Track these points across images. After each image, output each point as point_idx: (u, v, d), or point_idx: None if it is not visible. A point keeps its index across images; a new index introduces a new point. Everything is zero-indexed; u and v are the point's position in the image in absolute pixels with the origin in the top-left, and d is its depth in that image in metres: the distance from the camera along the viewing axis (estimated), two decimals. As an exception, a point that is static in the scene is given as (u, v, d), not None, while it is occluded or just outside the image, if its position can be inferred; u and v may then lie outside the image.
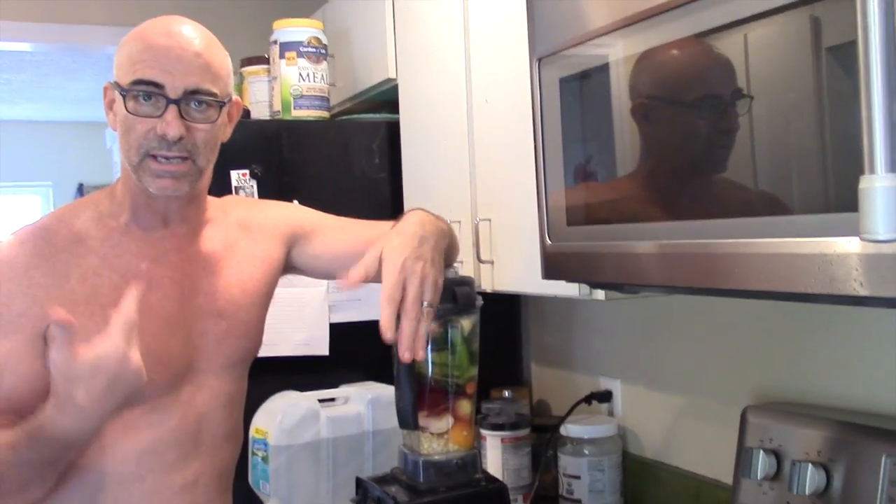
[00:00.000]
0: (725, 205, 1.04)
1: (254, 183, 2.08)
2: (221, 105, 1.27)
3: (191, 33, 1.25)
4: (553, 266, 1.37)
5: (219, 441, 1.37)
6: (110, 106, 1.28)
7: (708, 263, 1.05)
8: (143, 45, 1.23)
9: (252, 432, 1.90)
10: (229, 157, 2.02)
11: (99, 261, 1.27)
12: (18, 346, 1.20)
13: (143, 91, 1.21)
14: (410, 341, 1.23)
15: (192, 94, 1.23)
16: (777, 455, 1.39)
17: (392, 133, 2.23)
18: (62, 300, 1.21)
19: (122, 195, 1.31)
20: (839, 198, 0.87)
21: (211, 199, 1.42)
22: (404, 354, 1.24)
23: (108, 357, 1.09)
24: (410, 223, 1.30)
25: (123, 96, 1.22)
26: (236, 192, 2.06)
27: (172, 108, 1.21)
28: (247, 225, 1.44)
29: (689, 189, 1.11)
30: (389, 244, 1.25)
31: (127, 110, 1.22)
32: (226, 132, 1.34)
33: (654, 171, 1.17)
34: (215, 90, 1.26)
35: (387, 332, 1.22)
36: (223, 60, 1.29)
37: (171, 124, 1.21)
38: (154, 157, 1.23)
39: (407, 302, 1.22)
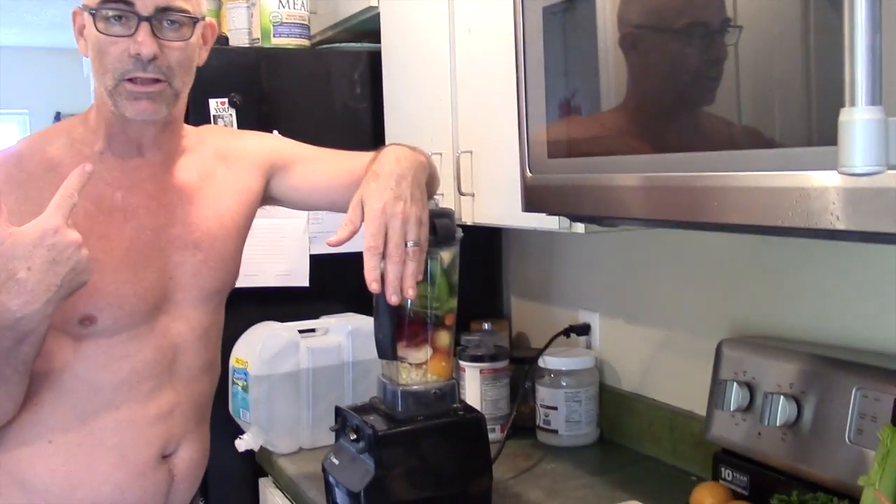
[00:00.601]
0: (707, 138, 1.03)
1: (233, 112, 2.05)
2: (195, 22, 1.24)
3: None
4: (533, 199, 1.36)
5: (195, 372, 1.37)
6: (80, 31, 1.25)
7: (688, 197, 1.05)
8: None
9: (232, 362, 1.91)
10: (208, 86, 1.99)
11: None
12: None
13: (113, 9, 1.18)
14: (396, 285, 1.23)
15: (163, 11, 1.20)
16: (750, 387, 1.41)
17: (374, 63, 2.20)
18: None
19: (97, 122, 1.28)
20: (821, 131, 0.86)
21: (188, 128, 1.39)
22: (391, 298, 1.24)
23: (45, 231, 1.07)
24: (387, 162, 1.28)
25: (93, 16, 1.19)
26: (215, 122, 2.03)
27: (144, 26, 1.18)
28: (224, 155, 1.42)
29: (673, 122, 1.10)
30: (367, 189, 1.24)
31: (98, 31, 1.19)
32: (201, 55, 1.31)
33: (639, 104, 1.16)
34: (187, 7, 1.22)
35: (371, 284, 1.23)
36: None
37: (144, 43, 1.18)
38: (130, 80, 1.20)
39: (390, 246, 1.22)
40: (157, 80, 1.21)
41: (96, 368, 1.26)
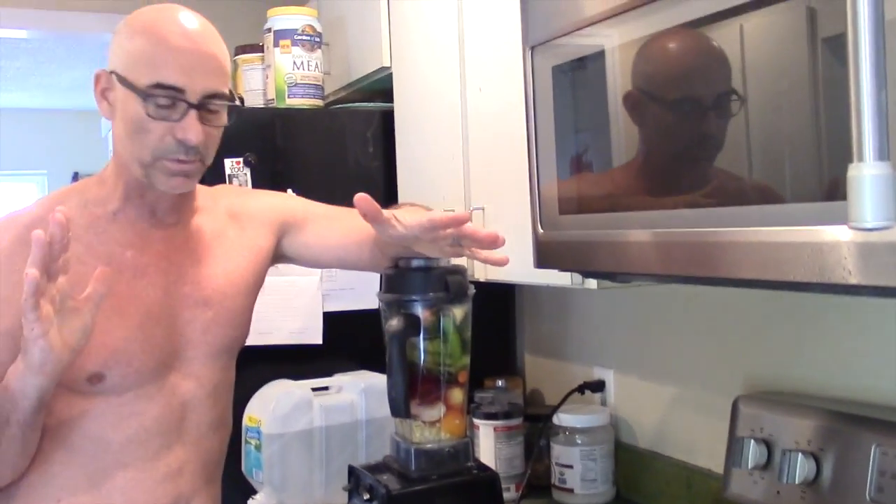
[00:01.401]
0: (718, 194, 1.04)
1: (248, 171, 2.08)
2: (230, 102, 1.28)
3: (205, 32, 1.25)
4: (545, 255, 1.37)
5: (204, 430, 1.37)
6: (103, 94, 1.27)
7: (700, 252, 1.05)
8: (163, 46, 1.21)
9: (245, 420, 1.90)
10: (223, 146, 1.98)
11: (83, 248, 1.26)
12: (2, 333, 1.19)
13: (165, 94, 1.20)
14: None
15: (210, 97, 1.23)
16: (768, 444, 1.39)
17: (386, 122, 2.23)
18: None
19: (114, 184, 1.30)
20: (831, 187, 0.87)
21: (201, 188, 1.41)
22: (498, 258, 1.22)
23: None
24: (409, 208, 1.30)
25: (142, 98, 1.20)
26: (230, 181, 2.06)
27: (193, 114, 1.21)
28: (236, 214, 1.43)
29: (682, 178, 1.11)
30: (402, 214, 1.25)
31: (147, 114, 1.21)
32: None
33: (647, 161, 1.17)
34: (226, 91, 1.26)
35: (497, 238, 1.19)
36: (227, 55, 1.30)
37: (192, 130, 1.20)
38: (169, 160, 1.23)
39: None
40: (194, 161, 1.24)
41: (105, 426, 1.26)
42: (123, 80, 1.22)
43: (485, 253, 1.22)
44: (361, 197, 1.17)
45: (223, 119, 1.27)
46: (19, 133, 6.22)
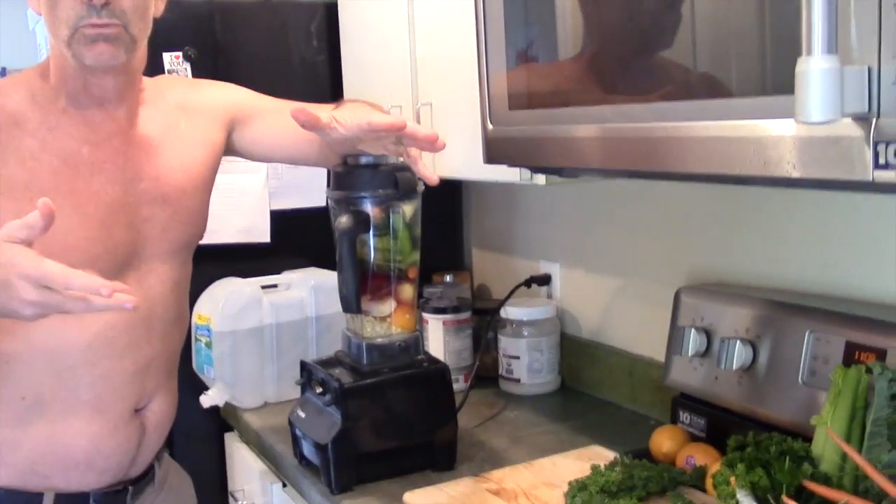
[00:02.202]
0: (665, 88, 1.04)
1: (187, 66, 2.02)
2: None
3: None
4: (494, 151, 1.37)
5: (168, 325, 1.38)
6: None
7: (646, 147, 1.06)
8: None
9: (195, 319, 1.90)
10: (161, 40, 1.92)
11: (38, 143, 1.22)
12: None
13: None
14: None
15: None
16: (707, 333, 1.44)
17: (330, 15, 2.17)
18: (0, 186, 1.17)
19: (56, 78, 1.25)
20: (777, 81, 0.88)
21: (146, 80, 1.37)
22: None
23: None
24: (349, 106, 1.29)
25: None
26: (168, 75, 2.00)
27: None
28: (185, 107, 1.39)
29: (630, 72, 1.11)
30: (344, 114, 1.23)
31: None
32: (157, 6, 1.29)
33: (596, 54, 1.17)
34: None
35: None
36: None
37: None
38: (85, 26, 1.17)
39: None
40: (111, 24, 1.18)
41: (70, 326, 1.25)
42: None
43: (421, 167, 1.23)
44: (296, 111, 1.17)
45: None
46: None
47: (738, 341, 1.35)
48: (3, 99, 1.25)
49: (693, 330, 1.44)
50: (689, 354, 1.45)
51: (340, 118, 1.23)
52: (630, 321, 1.81)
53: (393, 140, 1.28)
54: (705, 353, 1.44)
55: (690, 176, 1.06)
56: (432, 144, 1.22)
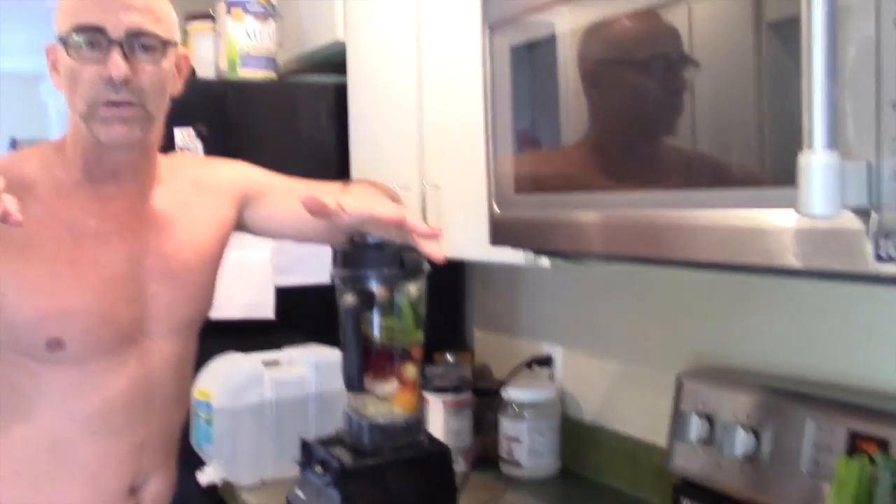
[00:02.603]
0: (667, 176, 1.06)
1: (199, 142, 2.06)
2: (166, 45, 1.25)
3: None
4: (500, 233, 1.39)
5: (168, 404, 1.37)
6: (54, 66, 1.25)
7: (649, 233, 1.08)
8: None
9: (195, 394, 1.89)
10: (174, 116, 1.96)
11: (44, 210, 1.24)
12: None
13: (85, 35, 1.19)
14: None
15: (135, 35, 1.20)
16: (710, 419, 1.44)
17: (340, 96, 2.22)
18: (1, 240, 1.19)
19: (72, 151, 1.28)
20: (777, 171, 0.90)
21: (161, 157, 1.39)
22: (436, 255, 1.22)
23: None
24: (358, 190, 1.31)
25: (65, 45, 1.20)
26: (180, 152, 2.04)
27: (116, 50, 1.19)
28: (198, 184, 1.42)
29: (634, 159, 1.13)
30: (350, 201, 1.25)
31: (73, 59, 1.19)
32: (175, 84, 1.32)
33: (601, 140, 1.20)
34: (158, 31, 1.23)
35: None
36: (165, 5, 1.27)
37: (116, 65, 1.18)
38: (103, 104, 1.21)
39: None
40: (130, 104, 1.21)
41: (68, 399, 1.25)
42: (57, 39, 1.22)
43: (426, 246, 1.24)
44: (306, 199, 1.19)
45: (156, 58, 1.23)
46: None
47: (740, 428, 1.35)
48: (20, 164, 1.27)
49: (695, 415, 1.44)
50: (692, 440, 1.44)
51: (346, 205, 1.25)
52: (632, 405, 1.80)
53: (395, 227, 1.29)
54: (708, 439, 1.43)
55: (693, 263, 1.07)
56: (433, 237, 1.24)
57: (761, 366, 1.51)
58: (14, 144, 6.10)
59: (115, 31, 1.19)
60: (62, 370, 1.24)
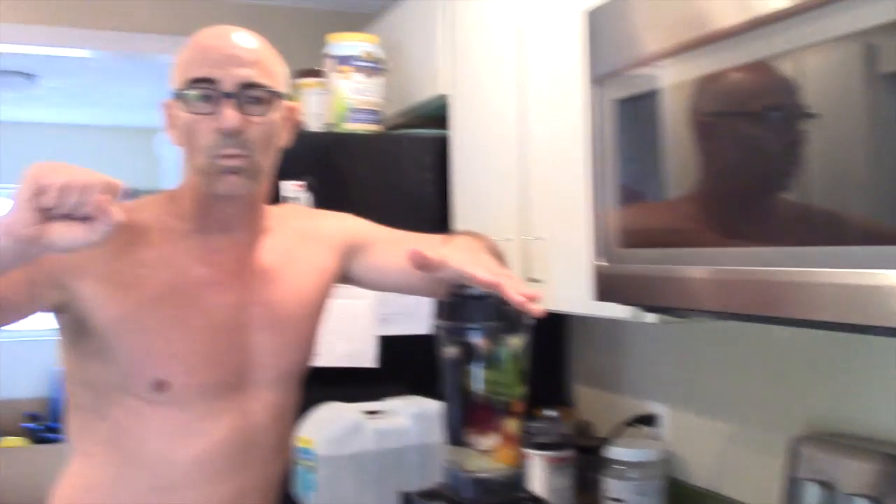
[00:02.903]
0: (782, 232, 1.03)
1: (306, 194, 2.11)
2: (275, 97, 1.27)
3: (242, 33, 1.28)
4: (605, 288, 1.37)
5: (268, 453, 1.37)
6: (170, 121, 1.29)
7: (764, 291, 1.04)
8: (195, 48, 1.26)
9: (298, 441, 1.91)
10: (283, 168, 2.03)
11: (155, 255, 1.27)
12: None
13: (199, 88, 1.22)
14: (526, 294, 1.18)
15: (246, 87, 1.23)
16: (827, 487, 1.37)
17: (443, 148, 2.25)
18: (107, 274, 1.22)
19: (185, 202, 1.32)
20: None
21: (269, 208, 1.42)
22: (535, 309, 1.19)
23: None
24: (453, 243, 1.30)
25: (180, 98, 1.24)
26: (288, 203, 2.08)
27: (229, 102, 1.22)
28: (305, 235, 1.44)
29: (747, 213, 1.10)
30: (444, 257, 1.25)
31: (184, 112, 1.23)
32: (284, 137, 1.34)
33: (713, 194, 1.17)
34: (269, 83, 1.26)
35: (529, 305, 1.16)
36: (276, 60, 1.30)
37: (228, 116, 1.21)
38: (216, 156, 1.23)
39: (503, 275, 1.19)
40: (240, 156, 1.24)
41: (172, 443, 1.27)
42: (172, 94, 1.26)
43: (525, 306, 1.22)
44: (412, 254, 1.18)
45: (266, 111, 1.26)
46: (78, 149, 6.35)
47: (862, 499, 1.28)
48: (138, 210, 1.31)
49: (811, 484, 1.37)
50: (808, 509, 1.37)
51: (448, 259, 1.25)
52: (742, 469, 1.73)
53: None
54: (825, 508, 1.36)
55: (809, 323, 1.03)
56: (530, 301, 1.22)
57: (885, 432, 1.43)
58: (134, 194, 6.38)
59: (228, 83, 1.23)
60: (166, 413, 1.27)
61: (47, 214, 0.99)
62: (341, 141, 2.25)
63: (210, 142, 1.23)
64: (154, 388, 1.25)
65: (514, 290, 1.17)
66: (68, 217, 0.99)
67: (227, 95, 1.22)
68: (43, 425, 5.87)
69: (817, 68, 0.97)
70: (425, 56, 2.31)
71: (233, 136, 1.22)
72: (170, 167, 3.40)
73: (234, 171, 1.24)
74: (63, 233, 0.99)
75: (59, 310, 1.25)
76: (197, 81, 1.23)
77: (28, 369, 5.98)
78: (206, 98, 1.23)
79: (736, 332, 1.73)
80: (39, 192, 0.97)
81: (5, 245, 1.00)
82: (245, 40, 1.27)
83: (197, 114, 1.23)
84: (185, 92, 1.23)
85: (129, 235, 1.26)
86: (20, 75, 4.65)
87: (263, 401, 1.35)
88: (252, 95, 1.25)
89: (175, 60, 1.28)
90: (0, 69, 4.54)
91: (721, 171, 1.15)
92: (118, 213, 1.01)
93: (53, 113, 5.93)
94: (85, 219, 1.00)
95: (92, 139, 6.48)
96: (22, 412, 6.00)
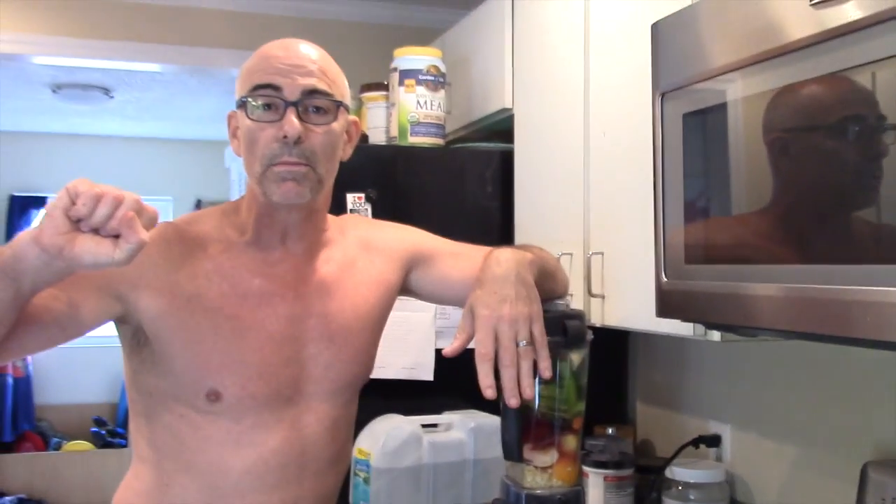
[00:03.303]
0: (855, 250, 1.00)
1: (368, 206, 2.12)
2: (338, 107, 1.28)
3: (306, 45, 1.29)
4: (668, 304, 1.34)
5: (322, 466, 1.36)
6: (234, 133, 1.31)
7: (835, 310, 1.01)
8: (260, 57, 1.27)
9: (355, 453, 1.92)
10: (345, 180, 2.05)
11: (213, 266, 1.28)
12: (91, 294, 1.19)
13: (262, 96, 1.24)
14: (512, 388, 1.19)
15: (309, 94, 1.24)
16: (900, 515, 1.32)
17: (505, 162, 2.24)
18: (164, 285, 1.24)
19: (246, 214, 1.33)
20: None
21: (330, 218, 1.41)
22: (510, 401, 1.21)
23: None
24: (489, 266, 1.27)
25: (244, 105, 1.24)
26: (350, 214, 2.10)
27: (291, 110, 1.23)
28: (366, 245, 1.43)
29: (817, 232, 1.07)
30: (473, 296, 1.23)
31: (249, 119, 1.24)
32: (345, 149, 1.34)
33: (784, 210, 1.14)
34: (331, 91, 1.27)
35: (486, 391, 1.19)
36: (338, 70, 1.31)
37: (290, 124, 1.22)
38: (276, 164, 1.24)
39: (501, 350, 1.19)
40: (301, 164, 1.24)
41: (224, 453, 1.28)
42: (236, 103, 1.27)
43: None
44: (447, 353, 1.20)
45: (328, 120, 1.26)
46: (150, 161, 6.52)
47: (937, 528, 1.23)
48: (198, 222, 1.33)
49: (882, 510, 1.32)
50: (879, 537, 1.32)
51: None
52: (809, 493, 1.68)
53: None
54: (897, 537, 1.31)
55: (881, 343, 0.99)
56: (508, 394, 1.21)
57: (960, 460, 1.37)
58: (199, 205, 6.51)
59: (291, 91, 1.24)
60: (220, 423, 1.28)
61: (77, 226, 0.98)
62: (404, 154, 2.26)
63: (271, 149, 1.24)
64: (207, 398, 1.26)
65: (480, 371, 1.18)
66: (96, 232, 0.98)
67: (290, 104, 1.23)
68: (109, 430, 6.01)
69: (889, 81, 0.94)
70: (490, 70, 2.31)
71: (294, 143, 1.23)
72: (238, 179, 3.46)
73: (293, 179, 1.24)
74: (89, 247, 0.97)
75: (119, 320, 1.27)
76: (260, 88, 1.24)
77: (97, 375, 6.14)
78: (269, 106, 1.24)
79: (802, 352, 1.68)
80: (72, 199, 0.97)
81: (33, 254, 0.99)
82: (309, 50, 1.28)
83: (259, 121, 1.24)
84: (249, 99, 1.25)
85: (187, 247, 1.28)
86: (97, 89, 4.78)
87: (318, 413, 1.35)
88: (315, 104, 1.25)
89: (240, 71, 1.30)
90: (79, 83, 4.68)
91: (794, 186, 1.12)
92: (145, 233, 0.99)
93: (128, 126, 6.09)
94: (113, 236, 0.98)
95: (164, 152, 6.64)
96: (90, 416, 6.15)
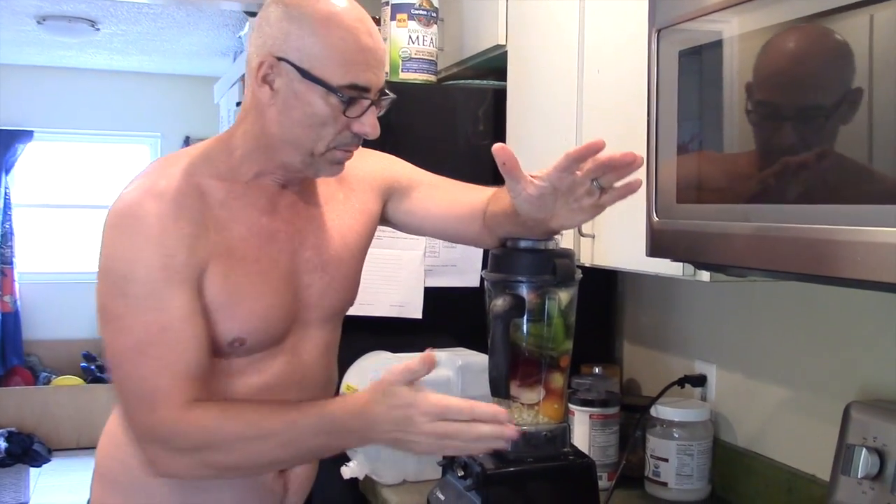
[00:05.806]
0: (845, 191, 0.99)
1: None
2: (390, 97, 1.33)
3: (374, 25, 1.29)
4: (659, 244, 1.34)
5: (318, 389, 1.41)
6: (265, 79, 1.24)
7: (820, 250, 1.01)
8: (355, 46, 1.23)
9: (343, 389, 1.93)
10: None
11: (227, 214, 1.29)
12: (193, 296, 1.22)
13: (357, 94, 1.24)
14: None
15: (381, 92, 1.29)
16: (880, 454, 1.34)
17: (498, 100, 2.22)
18: (208, 249, 1.24)
19: (246, 158, 1.31)
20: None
21: None
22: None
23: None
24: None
25: (336, 95, 1.22)
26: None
27: (374, 110, 1.27)
28: (344, 177, 1.42)
29: (804, 172, 1.06)
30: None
31: (339, 111, 1.24)
32: None
33: (769, 153, 1.13)
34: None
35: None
36: None
37: (374, 126, 1.27)
38: (340, 149, 1.28)
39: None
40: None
41: (230, 381, 1.30)
42: (307, 74, 1.22)
43: (622, 184, 1.22)
44: (500, 146, 1.19)
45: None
46: (137, 96, 6.42)
47: (917, 467, 1.24)
48: (190, 175, 1.28)
49: (864, 450, 1.34)
50: (859, 476, 1.34)
51: (535, 173, 1.24)
52: (792, 433, 1.70)
53: (587, 189, 1.23)
54: (877, 476, 1.33)
55: (870, 283, 0.99)
56: (632, 163, 1.18)
57: (942, 401, 1.39)
58: (188, 142, 6.45)
59: (375, 91, 1.27)
60: (231, 359, 1.30)
61: None
62: (395, 90, 2.17)
63: (341, 137, 1.27)
64: (230, 344, 1.28)
65: (614, 154, 1.19)
66: None
67: (373, 103, 1.27)
68: (98, 365, 6.05)
69: (887, 23, 0.92)
70: (483, 5, 2.26)
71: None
72: (227, 116, 3.41)
73: (346, 161, 1.31)
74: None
75: None
76: (358, 88, 1.24)
77: (85, 310, 6.15)
78: (354, 101, 1.24)
79: (789, 293, 1.69)
80: (443, 448, 1.23)
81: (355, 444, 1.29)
82: (379, 37, 1.30)
83: (348, 117, 1.24)
84: (343, 91, 1.23)
85: (203, 204, 1.27)
86: (83, 21, 4.70)
87: (314, 339, 1.40)
88: (383, 104, 1.30)
89: (313, 39, 1.22)
90: (64, 14, 4.60)
91: (778, 134, 1.11)
92: (515, 430, 1.25)
93: (115, 60, 6.00)
94: None
95: (152, 87, 6.54)
96: (80, 352, 6.18)
